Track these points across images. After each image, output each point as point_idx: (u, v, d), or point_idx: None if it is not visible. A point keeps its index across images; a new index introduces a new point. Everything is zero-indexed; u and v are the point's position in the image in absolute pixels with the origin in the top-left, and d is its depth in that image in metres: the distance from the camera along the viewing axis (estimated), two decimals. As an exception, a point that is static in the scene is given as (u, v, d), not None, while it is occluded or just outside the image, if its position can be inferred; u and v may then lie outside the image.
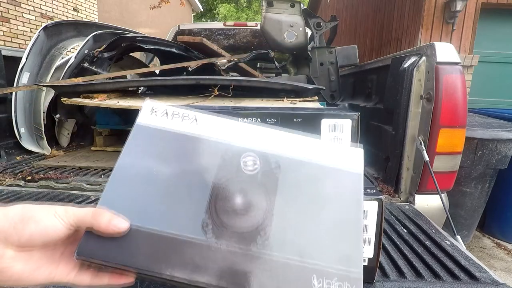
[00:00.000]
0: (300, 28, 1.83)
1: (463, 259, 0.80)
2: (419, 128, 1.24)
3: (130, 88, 1.91)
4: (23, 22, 4.60)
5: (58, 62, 1.89)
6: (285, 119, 0.76)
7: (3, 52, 1.66)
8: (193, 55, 2.14)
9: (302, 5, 1.87)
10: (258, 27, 2.89)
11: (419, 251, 0.84)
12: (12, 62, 1.67)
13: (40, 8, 4.88)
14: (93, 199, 1.15)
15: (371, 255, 0.64)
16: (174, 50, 2.08)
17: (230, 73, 2.07)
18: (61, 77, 1.75)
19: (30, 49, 1.69)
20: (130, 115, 1.83)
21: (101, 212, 0.38)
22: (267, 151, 0.47)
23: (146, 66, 2.49)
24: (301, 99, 1.49)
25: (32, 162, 1.55)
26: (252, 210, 0.42)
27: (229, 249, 0.39)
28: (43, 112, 1.78)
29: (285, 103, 1.44)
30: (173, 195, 0.42)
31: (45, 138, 1.74)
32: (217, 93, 1.46)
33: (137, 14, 8.51)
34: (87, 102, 1.40)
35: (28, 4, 4.65)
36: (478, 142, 1.92)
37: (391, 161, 1.36)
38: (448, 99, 1.15)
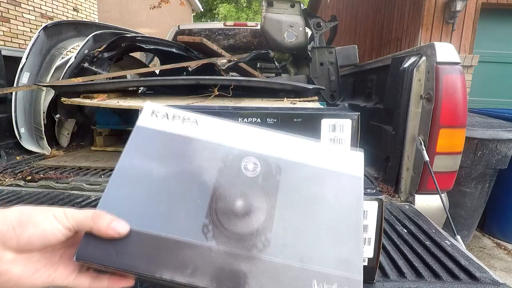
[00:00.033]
0: (300, 28, 1.83)
1: (463, 259, 0.80)
2: (419, 128, 1.24)
3: (130, 88, 1.90)
4: (23, 22, 4.60)
5: (58, 62, 1.89)
6: (285, 119, 0.76)
7: (3, 52, 1.66)
8: (193, 55, 2.14)
9: (302, 5, 1.87)
10: (258, 27, 2.89)
11: (419, 251, 0.84)
12: (12, 62, 1.67)
13: (40, 8, 4.88)
14: (93, 199, 1.15)
15: (371, 255, 0.64)
16: (174, 50, 2.08)
17: (230, 73, 2.07)
18: (61, 77, 1.75)
19: (30, 49, 1.69)
20: (130, 115, 1.83)
21: (101, 215, 0.38)
22: (268, 154, 0.47)
23: (146, 66, 2.49)
24: (301, 99, 1.49)
25: (32, 162, 1.55)
26: (253, 213, 0.42)
27: (230, 252, 0.39)
28: (43, 112, 1.78)
29: (285, 103, 1.44)
30: (173, 198, 0.42)
31: (45, 138, 1.74)
32: (217, 93, 1.46)
33: (137, 14, 8.50)
34: (87, 102, 1.40)
35: (28, 4, 4.65)
36: (478, 142, 1.92)
37: (391, 161, 1.36)
38: (448, 99, 1.15)
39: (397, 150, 1.31)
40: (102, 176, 1.38)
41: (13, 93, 1.62)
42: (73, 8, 5.55)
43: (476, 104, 3.63)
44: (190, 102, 1.42)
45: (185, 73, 2.13)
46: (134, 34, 2.17)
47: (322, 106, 1.35)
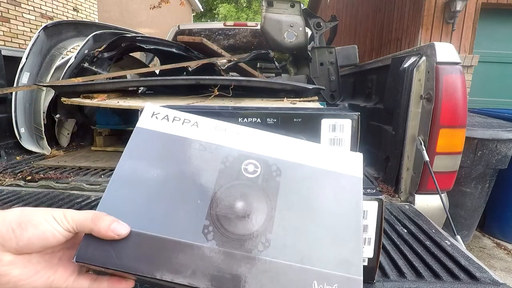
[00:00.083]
0: (300, 28, 1.83)
1: (463, 259, 0.80)
2: (419, 128, 1.24)
3: (130, 88, 1.90)
4: (23, 22, 4.60)
5: (58, 62, 1.89)
6: (285, 119, 0.76)
7: (3, 52, 1.66)
8: (193, 55, 2.14)
9: (302, 5, 1.87)
10: (258, 27, 2.89)
11: (419, 251, 0.84)
12: (12, 62, 1.67)
13: (40, 8, 4.88)
14: (93, 199, 1.15)
15: (371, 255, 0.64)
16: (174, 50, 2.08)
17: (230, 73, 2.07)
18: (61, 77, 1.75)
19: (30, 49, 1.69)
20: (130, 115, 1.83)
21: (101, 216, 0.38)
22: (268, 155, 0.47)
23: (146, 66, 2.49)
24: (301, 99, 1.49)
25: (32, 162, 1.55)
26: (253, 214, 0.42)
27: (230, 253, 0.39)
28: (43, 112, 1.78)
29: (285, 103, 1.44)
30: (173, 199, 0.42)
31: (45, 138, 1.74)
32: (217, 93, 1.46)
33: (137, 14, 8.50)
34: (87, 102, 1.40)
35: (28, 4, 4.65)
36: (478, 142, 1.92)
37: (391, 161, 1.36)
38: (448, 99, 1.15)
39: (397, 150, 1.31)
40: (102, 176, 1.38)
41: (13, 93, 1.62)
42: (73, 8, 5.55)
43: (476, 104, 3.63)
44: (190, 102, 1.42)
45: (185, 73, 2.13)
46: (134, 34, 2.17)
47: (322, 106, 1.35)
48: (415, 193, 1.25)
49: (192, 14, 14.00)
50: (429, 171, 1.16)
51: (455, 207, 2.07)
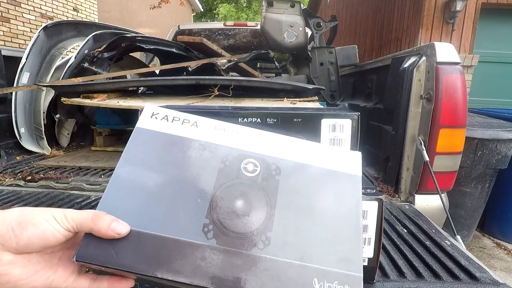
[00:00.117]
0: (300, 28, 1.83)
1: (463, 259, 0.80)
2: (419, 128, 1.24)
3: (130, 88, 1.90)
4: (23, 22, 4.60)
5: (58, 62, 1.89)
6: (285, 119, 0.76)
7: (3, 52, 1.66)
8: (193, 55, 2.14)
9: (302, 5, 1.87)
10: (258, 27, 2.89)
11: (419, 251, 0.84)
12: (12, 62, 1.67)
13: (40, 8, 4.88)
14: (93, 199, 1.15)
15: (371, 255, 0.64)
16: (174, 50, 2.08)
17: (230, 73, 2.07)
18: (61, 77, 1.75)
19: (30, 49, 1.69)
20: (130, 115, 1.83)
21: (101, 216, 0.38)
22: (267, 154, 0.47)
23: (146, 66, 2.49)
24: (301, 99, 1.49)
25: (32, 162, 1.55)
26: (253, 213, 0.42)
27: (230, 251, 0.39)
28: (43, 112, 1.78)
29: (285, 103, 1.44)
30: (173, 198, 0.42)
31: (45, 138, 1.74)
32: (217, 93, 1.46)
33: (137, 14, 8.50)
34: (87, 102, 1.40)
35: (28, 4, 4.65)
36: (478, 142, 1.92)
37: (391, 161, 1.36)
38: (448, 99, 1.15)
39: (397, 150, 1.31)
40: (102, 176, 1.38)
41: (13, 93, 1.63)
42: (73, 8, 5.55)
43: (476, 104, 3.63)
44: (190, 102, 1.42)
45: (185, 73, 2.13)
46: (134, 34, 2.17)
47: (322, 106, 1.35)
48: (415, 193, 1.25)
49: (192, 14, 14.00)
50: (429, 171, 1.16)
51: (455, 207, 2.07)
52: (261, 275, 0.38)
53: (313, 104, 1.38)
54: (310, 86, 1.50)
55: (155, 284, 0.40)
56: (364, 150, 1.69)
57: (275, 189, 0.44)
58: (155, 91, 2.21)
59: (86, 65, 1.80)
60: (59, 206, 1.06)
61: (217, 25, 3.29)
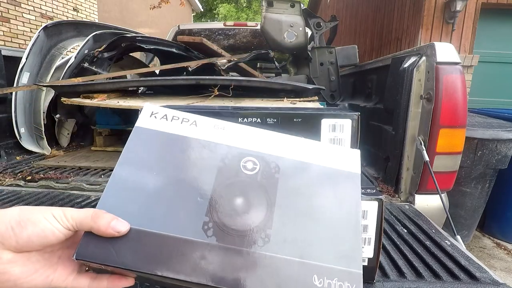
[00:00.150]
0: (300, 28, 1.83)
1: (463, 259, 0.80)
2: (419, 128, 1.24)
3: (130, 88, 1.90)
4: (23, 22, 4.60)
5: (58, 62, 1.89)
6: (285, 119, 0.76)
7: (3, 52, 1.65)
8: (193, 55, 2.14)
9: (302, 5, 1.87)
10: (258, 27, 2.89)
11: (419, 251, 0.84)
12: (12, 62, 1.67)
13: (40, 8, 4.88)
14: (93, 199, 1.15)
15: (371, 255, 0.64)
16: (174, 50, 2.08)
17: (230, 73, 2.07)
18: (61, 77, 1.75)
19: (30, 49, 1.69)
20: (130, 115, 1.83)
21: (101, 214, 0.38)
22: (266, 153, 0.47)
23: (146, 66, 2.49)
24: (301, 99, 1.49)
25: (32, 162, 1.55)
26: (253, 210, 0.43)
27: (230, 249, 0.39)
28: (43, 112, 1.78)
29: (285, 103, 1.44)
30: (173, 197, 0.42)
31: (45, 138, 1.74)
32: (217, 93, 1.46)
33: (137, 14, 8.50)
34: (87, 102, 1.40)
35: (28, 4, 4.65)
36: (478, 142, 1.92)
37: (391, 161, 1.36)
38: (448, 99, 1.15)
39: (397, 150, 1.31)
40: (102, 176, 1.38)
41: (13, 93, 1.63)
42: (73, 8, 5.55)
43: (476, 104, 3.63)
44: (190, 102, 1.42)
45: (185, 73, 2.13)
46: (134, 34, 2.17)
47: (322, 106, 1.35)
48: (415, 193, 1.25)
49: (192, 14, 14.00)
50: (429, 171, 1.16)
51: (455, 207, 2.07)
52: (261, 273, 0.39)
53: (313, 104, 1.38)
54: (310, 86, 1.50)
55: (155, 282, 0.40)
56: (364, 150, 1.69)
57: (274, 187, 0.45)
58: (155, 91, 2.21)
59: (86, 65, 1.80)
60: (59, 206, 1.06)
61: (217, 25, 3.29)
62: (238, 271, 0.38)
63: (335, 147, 0.51)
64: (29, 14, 4.68)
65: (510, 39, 3.76)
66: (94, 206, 0.39)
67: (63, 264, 0.39)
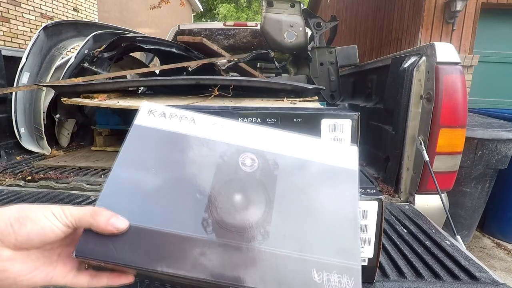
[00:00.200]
0: (300, 28, 1.83)
1: (463, 259, 0.80)
2: (419, 128, 1.24)
3: (130, 88, 1.90)
4: (23, 22, 4.60)
5: (58, 62, 1.89)
6: (285, 119, 0.76)
7: (3, 52, 1.65)
8: (193, 55, 2.14)
9: (302, 5, 1.87)
10: (258, 27, 2.89)
11: (419, 251, 0.84)
12: (12, 62, 1.67)
13: (40, 8, 4.88)
14: (93, 199, 1.15)
15: (371, 255, 0.64)
16: (174, 50, 2.08)
17: (230, 73, 2.07)
18: (61, 77, 1.75)
19: (30, 49, 1.69)
20: (130, 115, 1.82)
21: (100, 211, 0.38)
22: (265, 149, 0.48)
23: (146, 66, 2.49)
24: (301, 99, 1.49)
25: (32, 162, 1.55)
26: (252, 207, 0.43)
27: (229, 245, 0.40)
28: (43, 112, 1.78)
29: (285, 103, 1.44)
30: (172, 194, 0.42)
31: (45, 138, 1.74)
32: (217, 93, 1.46)
33: (137, 14, 8.50)
34: (87, 102, 1.40)
35: (28, 4, 4.65)
36: (478, 142, 1.92)
37: (391, 161, 1.36)
38: (448, 99, 1.15)
39: (397, 150, 1.31)
40: (102, 176, 1.38)
41: (13, 93, 1.63)
42: (73, 8, 5.55)
43: (476, 104, 3.63)
44: (190, 102, 1.42)
45: (185, 73, 2.13)
46: (134, 34, 2.17)
47: (322, 106, 1.35)
48: (415, 193, 1.25)
49: (192, 14, 14.00)
50: (429, 171, 1.16)
51: (455, 207, 2.07)
52: (260, 268, 0.39)
53: (313, 104, 1.38)
54: (310, 86, 1.50)
55: (155, 279, 0.40)
56: (364, 150, 1.69)
57: (273, 183, 0.45)
58: (155, 91, 2.21)
59: (86, 65, 1.80)
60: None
61: (217, 25, 3.29)
62: (237, 266, 0.38)
63: (333, 143, 0.52)
64: (29, 14, 4.68)
65: (510, 39, 3.76)
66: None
67: (62, 261, 0.39)
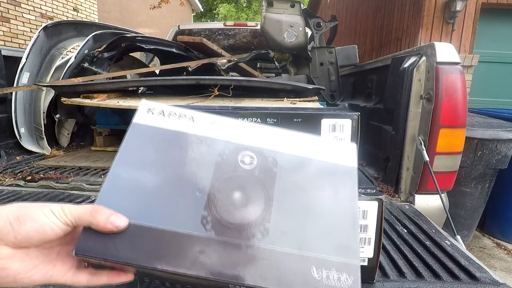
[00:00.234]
0: (300, 28, 1.83)
1: (463, 259, 0.80)
2: (419, 128, 1.24)
3: (130, 88, 1.90)
4: (23, 22, 4.60)
5: (58, 62, 1.89)
6: (285, 119, 0.76)
7: (3, 52, 1.65)
8: (193, 55, 2.14)
9: (302, 5, 1.87)
10: (258, 27, 2.89)
11: (419, 251, 0.84)
12: (12, 62, 1.67)
13: (40, 8, 4.88)
14: (93, 199, 1.15)
15: (371, 255, 0.64)
16: (174, 50, 2.08)
17: (230, 73, 2.07)
18: (61, 77, 1.75)
19: (30, 49, 1.69)
20: (130, 115, 1.82)
21: (99, 209, 0.38)
22: (264, 147, 0.48)
23: (146, 66, 2.49)
24: (301, 99, 1.49)
25: (32, 162, 1.55)
26: (251, 204, 0.43)
27: (229, 242, 0.40)
28: (43, 112, 1.78)
29: (285, 103, 1.44)
30: (171, 192, 0.42)
31: (45, 138, 1.74)
32: (217, 93, 1.46)
33: (137, 14, 8.50)
34: (87, 102, 1.40)
35: (28, 4, 4.65)
36: (478, 142, 1.92)
37: (391, 161, 1.36)
38: (448, 99, 1.15)
39: (397, 150, 1.31)
40: (102, 176, 1.38)
41: (13, 93, 1.63)
42: (73, 8, 5.55)
43: (476, 104, 3.63)
44: (190, 102, 1.42)
45: (185, 73, 2.13)
46: (134, 34, 2.17)
47: (322, 106, 1.35)
48: (415, 193, 1.25)
49: (192, 14, 14.00)
50: (429, 171, 1.16)
51: (455, 207, 2.07)
52: (260, 265, 0.39)
53: (313, 104, 1.39)
54: (310, 86, 1.50)
55: (155, 277, 0.40)
56: (364, 150, 1.69)
57: (272, 181, 0.45)
58: (155, 91, 2.21)
59: (86, 65, 1.80)
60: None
61: (217, 25, 3.29)
62: (237, 264, 0.39)
63: (331, 141, 0.52)
64: (29, 14, 4.68)
65: (510, 39, 3.76)
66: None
67: (62, 260, 0.39)
